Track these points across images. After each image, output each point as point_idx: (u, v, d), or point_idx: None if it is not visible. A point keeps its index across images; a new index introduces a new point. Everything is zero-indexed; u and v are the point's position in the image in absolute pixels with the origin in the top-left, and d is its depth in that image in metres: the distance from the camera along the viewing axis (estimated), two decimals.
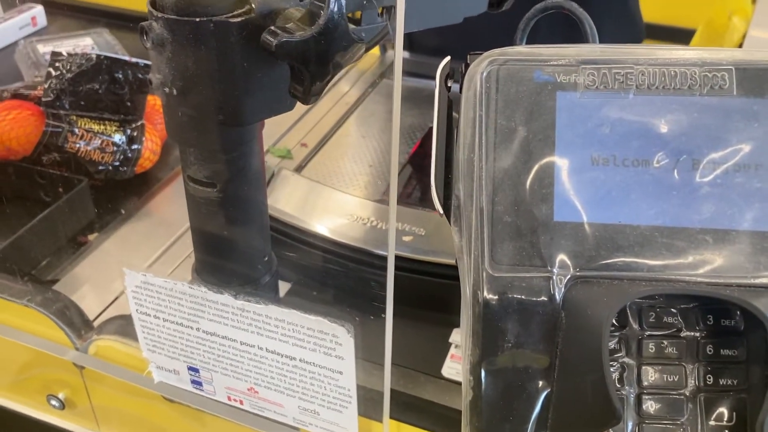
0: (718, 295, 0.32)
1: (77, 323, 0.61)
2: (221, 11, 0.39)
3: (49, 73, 0.77)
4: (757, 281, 0.32)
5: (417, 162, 0.87)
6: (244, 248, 0.49)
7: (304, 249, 0.66)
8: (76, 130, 0.76)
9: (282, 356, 0.48)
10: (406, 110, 0.98)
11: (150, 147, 0.79)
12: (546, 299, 0.33)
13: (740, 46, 1.22)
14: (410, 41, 1.11)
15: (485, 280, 0.33)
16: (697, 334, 0.34)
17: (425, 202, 0.76)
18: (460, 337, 0.58)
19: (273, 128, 0.88)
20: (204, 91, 0.40)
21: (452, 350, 0.62)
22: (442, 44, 1.02)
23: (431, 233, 0.65)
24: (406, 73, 1.07)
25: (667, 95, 0.34)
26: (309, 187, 0.72)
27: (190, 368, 0.53)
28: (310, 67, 0.38)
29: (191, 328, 0.50)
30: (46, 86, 0.76)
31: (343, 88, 1.03)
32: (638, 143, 0.34)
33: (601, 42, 0.39)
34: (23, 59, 0.98)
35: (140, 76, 0.78)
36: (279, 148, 0.88)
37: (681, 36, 1.25)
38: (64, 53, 0.77)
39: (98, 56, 0.77)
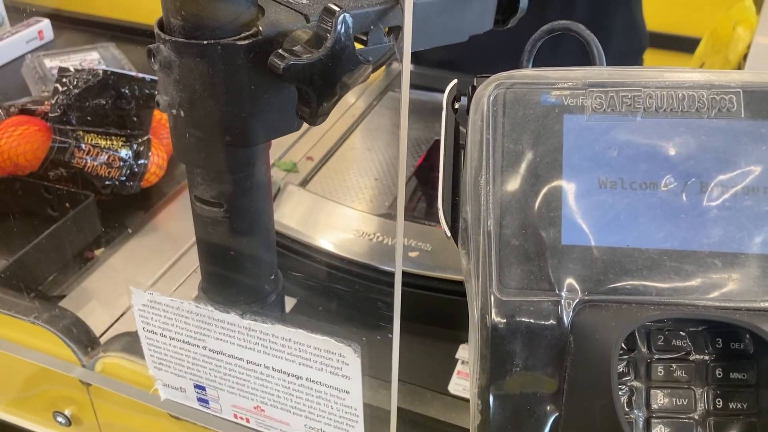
0: (727, 320, 0.32)
1: (84, 340, 0.61)
2: (229, 34, 0.39)
3: (56, 89, 0.77)
4: (767, 305, 0.32)
5: (422, 175, 0.87)
6: (250, 268, 0.49)
7: (310, 264, 0.66)
8: (83, 146, 0.76)
9: (288, 375, 0.48)
10: (412, 123, 0.98)
11: (156, 162, 0.79)
12: (554, 323, 0.33)
13: (745, 56, 1.22)
14: (416, 54, 1.11)
15: (493, 304, 0.33)
16: (707, 358, 0.34)
17: (431, 216, 0.76)
18: (466, 354, 0.58)
19: (279, 141, 0.88)
20: (211, 113, 0.41)
21: (459, 366, 0.61)
22: (449, 57, 1.02)
23: (437, 248, 0.65)
24: (412, 86, 1.06)
25: (674, 118, 0.34)
26: (314, 202, 0.72)
27: (197, 386, 0.53)
28: (317, 89, 0.38)
29: (198, 346, 0.50)
30: (53, 102, 0.77)
31: (349, 100, 1.03)
32: (646, 166, 0.34)
33: (605, 51, 0.39)
34: (30, 73, 0.99)
35: (146, 91, 0.78)
36: (285, 161, 0.88)
37: (685, 44, 1.25)
38: (71, 69, 0.78)
39: (105, 72, 0.77)
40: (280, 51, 0.38)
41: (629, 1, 1.01)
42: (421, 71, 1.07)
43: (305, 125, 0.44)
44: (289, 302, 0.68)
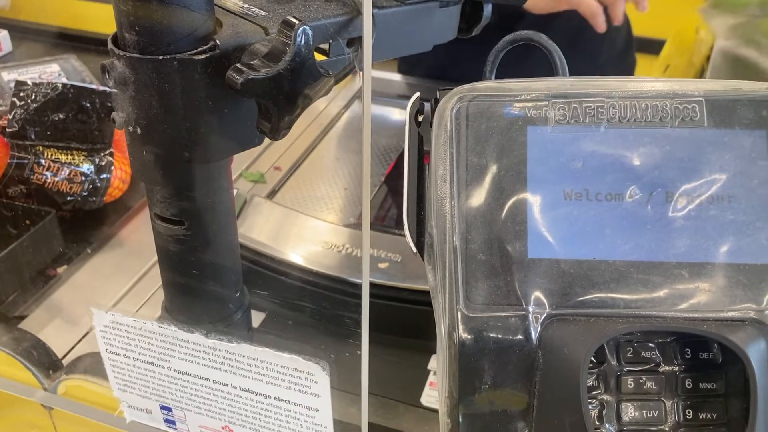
0: (695, 331, 0.32)
1: (45, 362, 0.59)
2: (185, 48, 0.38)
3: (13, 103, 0.75)
4: (733, 314, 0.32)
5: (392, 183, 0.86)
6: (214, 286, 0.48)
7: (279, 278, 0.65)
8: (43, 161, 0.74)
9: (256, 394, 0.47)
10: (381, 130, 0.97)
11: (119, 176, 0.78)
12: (522, 338, 0.32)
13: (708, 58, 1.23)
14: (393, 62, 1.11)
15: (460, 321, 0.32)
16: (676, 369, 0.33)
17: (401, 226, 0.75)
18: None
19: (246, 152, 0.87)
20: (169, 130, 0.39)
21: (431, 377, 0.61)
22: (423, 66, 1.02)
23: (407, 259, 0.64)
24: (382, 94, 1.06)
25: (638, 128, 0.33)
26: (282, 215, 0.71)
27: (163, 407, 0.52)
28: (277, 104, 0.38)
29: (162, 367, 0.49)
30: (10, 117, 0.75)
31: (318, 108, 1.02)
32: (611, 177, 0.33)
33: None
34: None
35: (108, 104, 0.77)
36: (252, 172, 0.87)
37: (652, 46, 1.27)
38: (29, 82, 0.76)
39: (64, 85, 0.75)
40: (237, 65, 0.37)
41: (614, 37, 1.00)
42: (391, 79, 1.07)
43: None
44: (258, 316, 0.66)
